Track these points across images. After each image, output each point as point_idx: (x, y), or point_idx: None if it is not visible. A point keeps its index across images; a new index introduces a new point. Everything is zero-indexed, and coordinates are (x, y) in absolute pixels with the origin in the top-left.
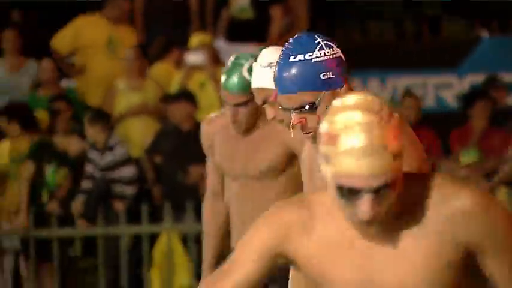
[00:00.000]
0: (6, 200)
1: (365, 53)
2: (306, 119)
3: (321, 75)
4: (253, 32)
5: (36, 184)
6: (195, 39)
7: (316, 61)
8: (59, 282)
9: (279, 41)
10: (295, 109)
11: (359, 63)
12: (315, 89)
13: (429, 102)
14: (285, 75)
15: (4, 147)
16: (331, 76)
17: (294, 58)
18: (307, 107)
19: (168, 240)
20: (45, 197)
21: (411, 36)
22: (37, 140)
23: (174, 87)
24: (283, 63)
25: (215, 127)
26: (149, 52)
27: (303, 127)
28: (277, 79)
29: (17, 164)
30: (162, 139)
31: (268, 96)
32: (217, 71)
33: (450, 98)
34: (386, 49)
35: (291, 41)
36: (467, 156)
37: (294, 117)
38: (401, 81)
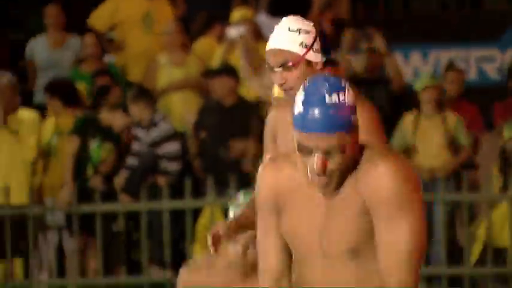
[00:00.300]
0: (51, 176)
1: (407, 26)
2: (327, 160)
3: (352, 118)
4: (294, 7)
5: (81, 159)
6: (237, 13)
7: (349, 104)
8: (102, 257)
9: (320, 16)
10: (326, 150)
11: (401, 37)
12: (348, 131)
13: (471, 75)
14: (322, 115)
15: (49, 123)
16: (356, 119)
17: (331, 98)
18: (336, 149)
19: (210, 215)
20: (90, 172)
21: (453, 9)
22: (82, 115)
23: (215, 62)
24: (318, 103)
25: None
26: (191, 27)
27: (324, 170)
28: (309, 118)
29: (62, 139)
30: (206, 114)
31: (287, 61)
32: (258, 46)
33: (492, 71)
34: (428, 22)
35: (318, 80)
36: (511, 130)
37: (318, 158)
38: (444, 55)
